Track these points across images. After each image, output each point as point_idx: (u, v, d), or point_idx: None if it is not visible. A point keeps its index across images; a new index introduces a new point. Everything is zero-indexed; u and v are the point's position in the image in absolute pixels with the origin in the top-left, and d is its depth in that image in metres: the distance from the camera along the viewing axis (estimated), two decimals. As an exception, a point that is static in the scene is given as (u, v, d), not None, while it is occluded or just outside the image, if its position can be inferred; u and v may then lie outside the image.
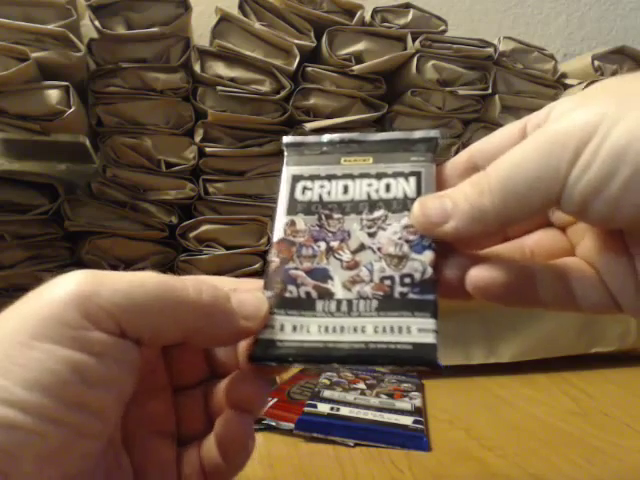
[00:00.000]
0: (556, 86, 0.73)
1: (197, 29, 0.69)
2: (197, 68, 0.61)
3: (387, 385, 0.43)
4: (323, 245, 0.23)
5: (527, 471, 0.32)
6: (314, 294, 0.22)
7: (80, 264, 0.61)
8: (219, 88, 0.61)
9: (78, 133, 0.59)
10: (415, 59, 0.65)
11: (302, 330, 0.21)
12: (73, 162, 0.71)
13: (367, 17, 0.66)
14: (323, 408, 0.37)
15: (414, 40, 0.65)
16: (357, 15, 0.65)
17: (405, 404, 0.39)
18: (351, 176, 0.25)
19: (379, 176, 0.24)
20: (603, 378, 0.49)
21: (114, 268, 0.61)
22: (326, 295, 0.22)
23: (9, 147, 0.66)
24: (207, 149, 0.62)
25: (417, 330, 0.21)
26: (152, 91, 0.60)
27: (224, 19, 0.62)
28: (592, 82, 0.70)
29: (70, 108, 0.54)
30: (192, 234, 0.62)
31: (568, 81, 0.73)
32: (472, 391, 0.45)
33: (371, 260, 0.22)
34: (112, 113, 0.60)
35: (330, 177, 0.25)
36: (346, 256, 0.23)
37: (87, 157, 0.64)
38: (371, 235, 0.23)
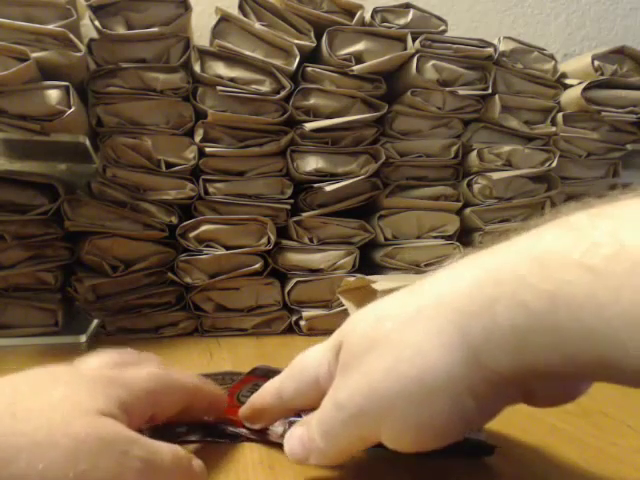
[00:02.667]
0: (556, 86, 0.73)
1: (197, 29, 0.69)
2: (197, 68, 0.61)
3: None
4: None
5: (527, 471, 0.32)
6: None
7: (80, 264, 0.61)
8: (219, 88, 0.61)
9: (78, 133, 0.59)
10: (415, 59, 0.65)
11: None
12: (73, 162, 0.71)
13: (367, 17, 0.66)
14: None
15: (414, 40, 0.65)
16: (357, 15, 0.65)
17: None
18: None
19: None
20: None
21: (114, 268, 0.61)
22: None
23: (9, 147, 0.66)
24: (207, 149, 0.62)
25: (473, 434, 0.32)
26: (152, 91, 0.60)
27: (224, 19, 0.62)
28: (592, 82, 0.71)
29: (70, 108, 0.54)
30: (192, 234, 0.62)
31: (568, 81, 0.73)
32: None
33: None
34: (112, 113, 0.60)
35: None
36: None
37: (87, 157, 0.64)
38: None
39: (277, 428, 0.34)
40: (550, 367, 0.21)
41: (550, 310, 0.19)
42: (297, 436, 0.28)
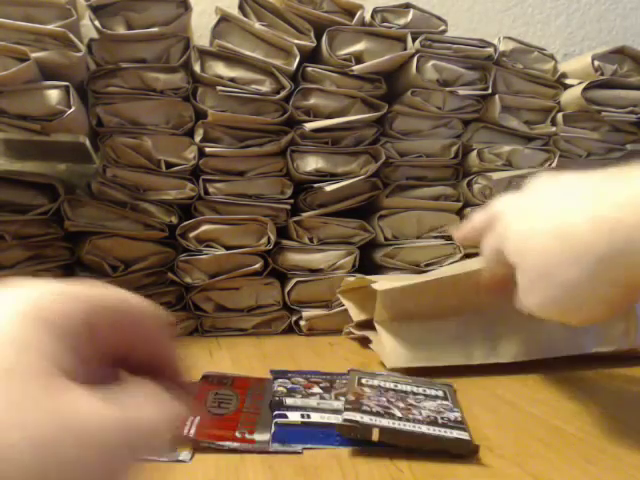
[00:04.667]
0: (556, 86, 0.73)
1: (197, 29, 0.69)
2: (197, 68, 0.61)
3: (340, 387, 0.43)
4: (383, 399, 0.39)
5: (527, 471, 0.32)
6: (381, 412, 0.36)
7: (80, 264, 0.61)
8: (219, 88, 0.61)
9: (78, 133, 0.59)
10: (415, 59, 0.65)
11: (375, 422, 0.35)
12: (73, 162, 0.71)
13: (367, 17, 0.66)
14: (294, 417, 0.37)
15: (414, 40, 0.65)
16: (357, 15, 0.65)
17: None
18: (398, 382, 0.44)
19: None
20: (603, 378, 0.49)
21: (114, 268, 0.61)
22: (389, 414, 0.36)
23: (9, 147, 0.66)
24: (207, 149, 0.62)
25: (457, 434, 0.34)
26: (152, 91, 0.60)
27: (224, 19, 0.62)
28: (592, 82, 0.71)
29: (70, 108, 0.54)
30: (192, 234, 0.62)
31: (568, 81, 0.73)
32: (472, 391, 0.45)
33: (419, 409, 0.38)
34: (112, 113, 0.60)
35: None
36: (402, 404, 0.39)
37: (87, 157, 0.64)
38: (417, 401, 0.40)
39: (263, 436, 0.34)
40: None
41: None
42: None
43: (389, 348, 0.51)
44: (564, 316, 0.35)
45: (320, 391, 0.42)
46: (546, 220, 0.35)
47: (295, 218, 0.65)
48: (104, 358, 0.20)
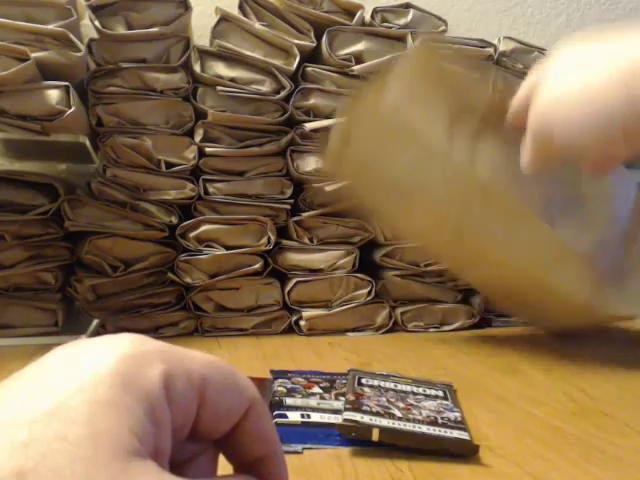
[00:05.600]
0: (556, 86, 0.72)
1: (197, 29, 0.69)
2: (197, 68, 0.61)
3: (340, 387, 0.43)
4: (383, 399, 0.39)
5: (527, 471, 0.32)
6: (381, 412, 0.36)
7: (80, 264, 0.61)
8: (219, 88, 0.61)
9: (78, 133, 0.59)
10: (415, 59, 0.65)
11: (375, 422, 0.35)
12: (73, 162, 0.71)
13: (367, 17, 0.66)
14: (294, 417, 0.37)
15: (414, 40, 0.65)
16: (357, 15, 0.65)
17: None
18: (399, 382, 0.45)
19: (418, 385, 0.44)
20: (603, 378, 0.49)
21: (114, 268, 0.61)
22: (389, 414, 0.36)
23: (9, 147, 0.66)
24: (207, 149, 0.62)
25: (457, 434, 0.35)
26: (152, 91, 0.60)
27: (224, 19, 0.62)
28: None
29: (70, 108, 0.54)
30: (192, 234, 0.62)
31: (568, 81, 0.73)
32: (472, 391, 0.45)
33: (419, 409, 0.38)
34: (112, 113, 0.60)
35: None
36: (402, 404, 0.39)
37: (87, 157, 0.64)
38: (417, 401, 0.40)
39: None
40: None
41: None
42: None
43: (392, 86, 0.49)
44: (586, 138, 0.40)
45: (320, 391, 0.42)
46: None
47: (295, 218, 0.65)
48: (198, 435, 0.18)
